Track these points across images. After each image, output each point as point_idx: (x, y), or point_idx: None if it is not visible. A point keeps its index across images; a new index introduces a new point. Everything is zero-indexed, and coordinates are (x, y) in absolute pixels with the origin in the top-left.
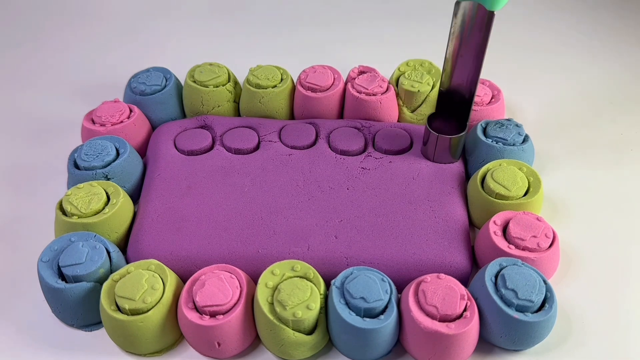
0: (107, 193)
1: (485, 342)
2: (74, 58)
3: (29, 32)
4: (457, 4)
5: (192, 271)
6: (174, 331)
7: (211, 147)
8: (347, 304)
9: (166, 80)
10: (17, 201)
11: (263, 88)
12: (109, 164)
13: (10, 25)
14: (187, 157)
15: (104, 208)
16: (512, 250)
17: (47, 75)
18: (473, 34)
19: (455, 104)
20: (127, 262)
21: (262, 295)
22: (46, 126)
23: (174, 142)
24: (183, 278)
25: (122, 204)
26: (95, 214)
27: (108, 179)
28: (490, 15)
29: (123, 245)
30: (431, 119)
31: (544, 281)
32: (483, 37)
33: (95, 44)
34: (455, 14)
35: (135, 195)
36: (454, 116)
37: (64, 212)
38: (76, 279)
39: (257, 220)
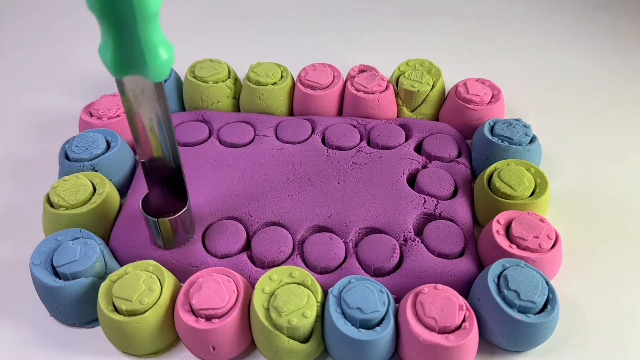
0: (93, 184)
1: (486, 343)
2: (79, 53)
3: (35, 28)
4: (120, 82)
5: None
6: (171, 333)
7: (206, 140)
8: (343, 313)
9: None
10: (19, 195)
11: (263, 85)
12: (96, 157)
13: (17, 21)
14: (180, 148)
15: (90, 198)
16: (514, 249)
17: (52, 70)
18: (152, 106)
19: (166, 178)
20: (111, 251)
21: (258, 301)
22: (50, 119)
23: None
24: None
25: (109, 194)
26: (82, 205)
27: (95, 172)
28: (159, 86)
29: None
30: (145, 203)
31: (547, 282)
32: (162, 107)
33: (99, 40)
34: (121, 92)
35: (124, 190)
36: (171, 192)
37: (51, 205)
38: (74, 276)
39: (245, 214)
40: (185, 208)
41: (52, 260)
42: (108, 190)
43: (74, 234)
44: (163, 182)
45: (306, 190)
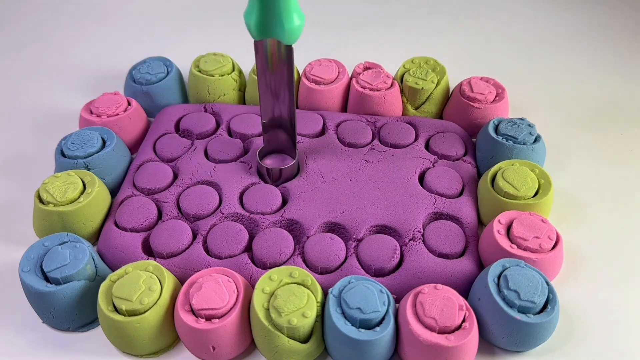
0: (83, 182)
1: (486, 343)
2: (83, 50)
3: (37, 25)
4: (258, 43)
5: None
6: (171, 333)
7: (214, 131)
8: (344, 313)
9: (167, 67)
10: (18, 192)
11: None
12: (90, 155)
13: (18, 19)
14: (195, 141)
15: (79, 197)
16: (514, 249)
17: (56, 67)
18: (280, 68)
19: (281, 136)
20: (99, 255)
21: (258, 301)
22: (53, 116)
23: (178, 124)
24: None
25: (97, 194)
26: (70, 203)
27: (89, 170)
28: (289, 49)
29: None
30: (261, 154)
31: (547, 282)
32: (288, 70)
33: (106, 37)
34: (257, 52)
35: (117, 189)
36: (283, 148)
37: (41, 201)
38: (65, 280)
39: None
40: (292, 163)
41: (41, 266)
42: (97, 190)
43: (61, 238)
44: (278, 141)
45: (319, 187)
